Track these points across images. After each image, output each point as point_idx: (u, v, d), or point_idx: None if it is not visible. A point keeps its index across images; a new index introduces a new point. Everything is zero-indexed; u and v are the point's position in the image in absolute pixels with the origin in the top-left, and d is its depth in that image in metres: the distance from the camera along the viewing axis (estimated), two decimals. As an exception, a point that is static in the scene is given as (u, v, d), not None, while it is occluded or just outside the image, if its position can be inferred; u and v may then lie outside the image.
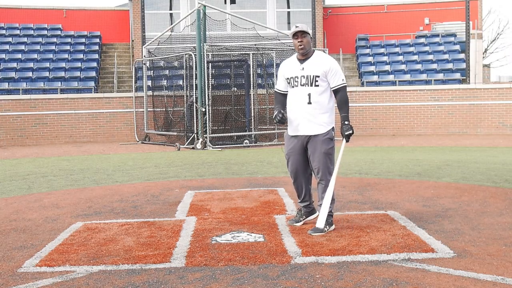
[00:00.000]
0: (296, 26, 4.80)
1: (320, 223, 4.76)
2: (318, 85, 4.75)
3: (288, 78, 4.92)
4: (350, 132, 4.80)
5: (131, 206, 6.29)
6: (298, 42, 4.76)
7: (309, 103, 4.76)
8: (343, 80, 4.81)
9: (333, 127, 4.87)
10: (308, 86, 4.76)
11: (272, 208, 5.92)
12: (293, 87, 4.87)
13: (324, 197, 4.82)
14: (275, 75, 15.73)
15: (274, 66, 15.75)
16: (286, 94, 5.00)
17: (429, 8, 22.56)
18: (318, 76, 4.75)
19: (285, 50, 15.77)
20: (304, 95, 4.77)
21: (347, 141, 4.85)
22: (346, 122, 4.80)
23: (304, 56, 4.84)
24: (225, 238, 4.71)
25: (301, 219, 5.12)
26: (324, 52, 16.77)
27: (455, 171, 8.72)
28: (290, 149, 4.96)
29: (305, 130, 4.82)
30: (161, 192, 7.27)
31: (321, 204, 4.84)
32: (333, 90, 4.83)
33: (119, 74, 20.32)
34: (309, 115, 4.79)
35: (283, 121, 4.86)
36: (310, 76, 4.76)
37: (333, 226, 4.88)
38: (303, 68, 4.81)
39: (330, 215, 4.83)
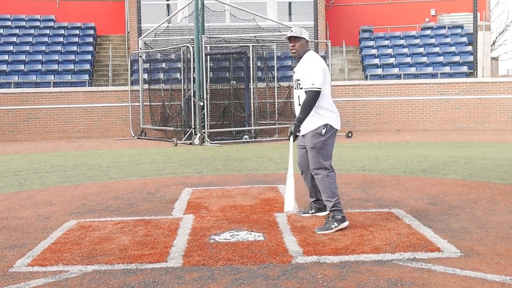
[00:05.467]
0: (291, 30, 4.99)
1: (288, 206, 4.87)
2: (302, 88, 4.95)
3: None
4: (291, 130, 4.82)
5: (126, 204, 6.26)
6: (291, 46, 5.02)
7: (299, 105, 4.98)
8: (312, 84, 4.81)
9: (325, 124, 4.88)
10: (297, 89, 5.04)
11: (272, 206, 5.88)
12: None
13: (286, 183, 4.93)
14: (275, 68, 15.68)
15: (275, 59, 15.76)
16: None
17: (435, -2, 22.63)
18: (299, 80, 4.99)
19: (285, 43, 15.47)
20: (296, 97, 5.07)
21: (287, 139, 4.96)
22: (296, 122, 4.85)
23: (298, 59, 5.09)
24: (224, 237, 4.70)
25: (310, 211, 5.35)
26: (327, 44, 16.71)
27: (462, 167, 8.63)
28: (298, 144, 5.21)
29: (301, 129, 5.08)
30: (157, 189, 7.22)
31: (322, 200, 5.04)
32: None
33: (114, 67, 20.24)
34: None
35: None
36: (296, 80, 5.06)
37: (346, 222, 4.82)
38: (294, 72, 5.12)
39: (338, 210, 4.83)
